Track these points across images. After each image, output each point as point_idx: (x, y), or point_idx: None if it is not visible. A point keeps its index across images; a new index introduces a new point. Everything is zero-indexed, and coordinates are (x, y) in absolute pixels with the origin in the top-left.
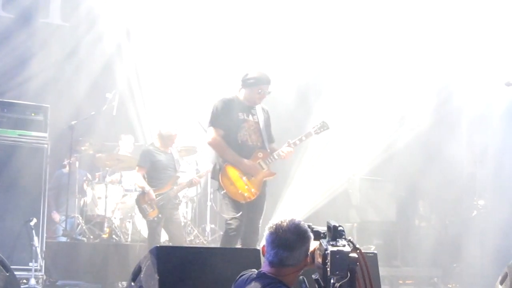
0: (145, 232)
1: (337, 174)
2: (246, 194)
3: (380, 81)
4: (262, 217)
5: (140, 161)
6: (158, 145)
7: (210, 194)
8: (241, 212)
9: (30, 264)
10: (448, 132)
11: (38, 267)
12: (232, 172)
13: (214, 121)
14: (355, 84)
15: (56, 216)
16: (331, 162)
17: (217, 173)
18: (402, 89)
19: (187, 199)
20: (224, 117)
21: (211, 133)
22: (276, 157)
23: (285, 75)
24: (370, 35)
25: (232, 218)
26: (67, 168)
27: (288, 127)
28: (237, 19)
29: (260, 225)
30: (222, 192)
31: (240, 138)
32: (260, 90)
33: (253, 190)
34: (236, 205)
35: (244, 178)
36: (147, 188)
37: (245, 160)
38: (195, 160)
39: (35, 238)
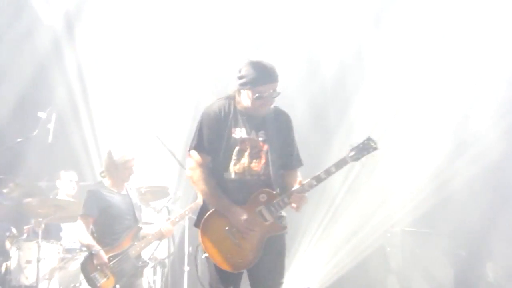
0: None
1: (370, 224)
2: (238, 261)
3: (433, 90)
4: None
5: (84, 208)
6: (109, 183)
7: (188, 254)
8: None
9: None
10: None
11: None
12: (218, 225)
13: (198, 143)
14: (397, 93)
15: None
16: (361, 206)
17: (199, 219)
18: (462, 104)
19: (155, 261)
20: (211, 136)
21: (191, 161)
22: (287, 202)
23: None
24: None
25: None
26: None
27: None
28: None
29: None
30: (204, 256)
31: (234, 169)
32: (258, 94)
33: (249, 253)
34: (224, 275)
35: (234, 235)
36: (96, 247)
37: (237, 208)
38: (166, 207)
39: None
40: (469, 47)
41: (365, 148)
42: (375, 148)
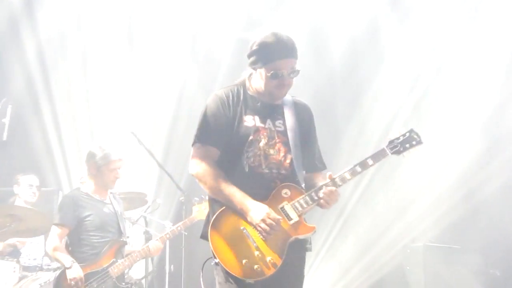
0: None
1: (386, 239)
2: (255, 267)
3: (461, 80)
4: None
5: (59, 216)
6: (91, 189)
7: (169, 273)
8: None
9: None
10: None
11: None
12: (232, 224)
13: (203, 134)
14: (418, 83)
15: None
16: (375, 218)
17: (207, 227)
18: (495, 96)
19: (130, 282)
20: (218, 125)
21: (195, 156)
22: (315, 198)
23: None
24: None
25: None
26: None
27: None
28: None
29: None
30: (214, 262)
31: (248, 162)
32: (273, 71)
33: (269, 258)
34: (239, 286)
35: (252, 237)
36: (69, 262)
37: (256, 204)
38: (143, 217)
39: None
40: (505, 29)
41: (407, 140)
42: (419, 142)
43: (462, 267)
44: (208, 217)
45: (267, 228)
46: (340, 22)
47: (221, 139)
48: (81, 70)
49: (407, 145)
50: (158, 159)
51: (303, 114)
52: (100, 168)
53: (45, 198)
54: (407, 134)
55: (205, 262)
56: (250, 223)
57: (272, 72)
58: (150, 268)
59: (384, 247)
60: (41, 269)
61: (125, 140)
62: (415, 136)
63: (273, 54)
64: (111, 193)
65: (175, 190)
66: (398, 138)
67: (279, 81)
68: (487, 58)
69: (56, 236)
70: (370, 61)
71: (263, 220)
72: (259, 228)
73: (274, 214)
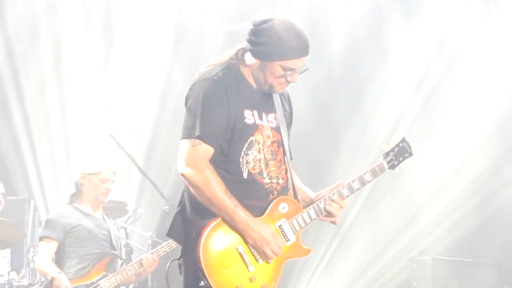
0: None
1: (391, 251)
2: None
3: (474, 76)
4: None
5: (46, 229)
6: (81, 204)
7: None
8: None
9: None
10: None
11: None
12: (227, 243)
13: (204, 128)
14: (427, 79)
15: None
16: (379, 229)
17: (193, 244)
18: (507, 101)
19: None
20: (217, 119)
21: (194, 155)
22: (314, 217)
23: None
24: None
25: None
26: None
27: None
28: None
29: None
30: (203, 283)
31: (248, 168)
32: (289, 70)
33: (263, 284)
34: None
35: (248, 258)
36: (55, 272)
37: (263, 225)
38: (123, 228)
39: None
40: None
41: (400, 152)
42: (410, 154)
43: (475, 283)
44: (188, 232)
45: (271, 254)
46: (340, 14)
47: (220, 137)
48: (54, 68)
49: (401, 158)
50: (140, 164)
51: (287, 105)
52: (90, 180)
53: (14, 208)
54: (400, 145)
55: (170, 263)
56: (253, 245)
57: (283, 69)
58: (132, 285)
59: (388, 260)
60: (11, 285)
61: (103, 144)
62: (407, 147)
63: (290, 51)
64: (105, 214)
65: (159, 199)
66: (393, 150)
67: (286, 78)
68: (501, 52)
69: (45, 252)
70: (373, 56)
71: (269, 244)
72: (262, 252)
73: (279, 238)
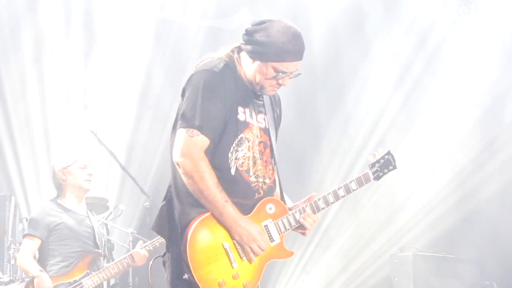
0: None
1: (371, 248)
2: None
3: (455, 71)
4: None
5: (29, 227)
6: (65, 199)
7: (133, 286)
8: None
9: None
10: None
11: None
12: (213, 238)
13: (204, 119)
14: (408, 75)
15: None
16: (359, 225)
17: (179, 237)
18: (494, 89)
19: None
20: (214, 112)
21: (192, 146)
22: (297, 220)
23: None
24: None
25: None
26: None
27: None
28: None
29: None
30: (185, 277)
31: (236, 164)
32: (282, 72)
33: (245, 282)
34: None
35: (233, 255)
36: (36, 271)
37: (251, 223)
38: (104, 224)
39: None
40: (501, 16)
41: (385, 164)
42: (394, 167)
43: (456, 278)
44: (172, 227)
45: (258, 250)
46: (321, 10)
47: (217, 130)
48: (34, 64)
49: (385, 170)
50: (121, 160)
51: (278, 108)
52: (69, 170)
53: None
54: (386, 157)
55: (153, 260)
56: (239, 242)
57: (275, 71)
58: (113, 281)
59: (369, 257)
60: None
61: (84, 140)
62: (391, 160)
63: (284, 54)
64: (90, 211)
65: (140, 195)
66: (378, 161)
67: (278, 81)
68: (482, 48)
69: (28, 249)
70: (354, 53)
71: (255, 240)
72: (248, 249)
73: (265, 237)
